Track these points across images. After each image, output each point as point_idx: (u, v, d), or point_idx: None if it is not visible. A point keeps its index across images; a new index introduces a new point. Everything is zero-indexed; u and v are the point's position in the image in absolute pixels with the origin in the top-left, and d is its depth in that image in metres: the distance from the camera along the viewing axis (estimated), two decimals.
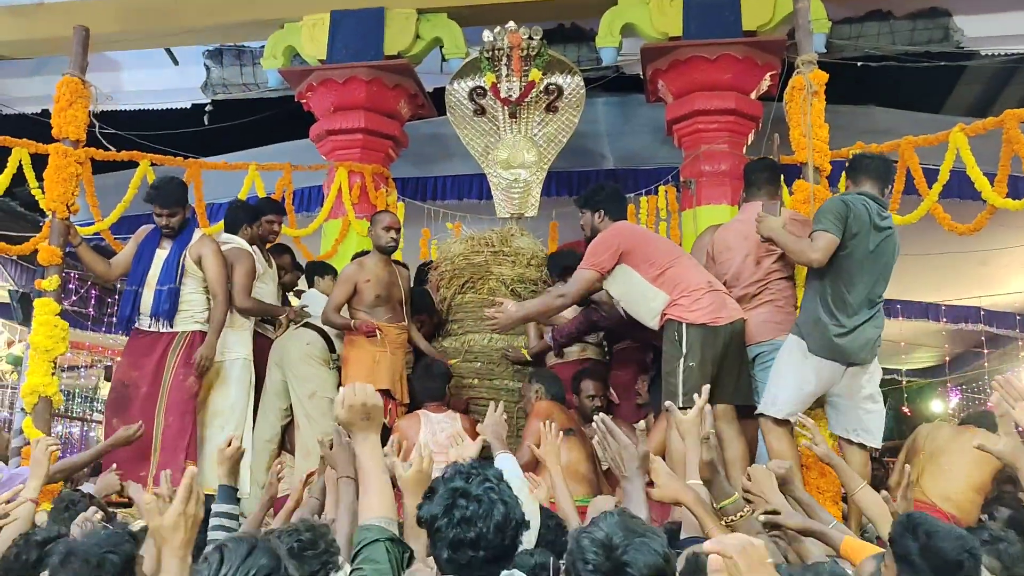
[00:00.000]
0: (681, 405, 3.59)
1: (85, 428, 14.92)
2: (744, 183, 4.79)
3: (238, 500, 3.33)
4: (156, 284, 4.83)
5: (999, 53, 8.02)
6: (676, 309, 4.10)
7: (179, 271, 4.86)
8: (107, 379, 13.95)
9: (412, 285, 5.67)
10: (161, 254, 4.90)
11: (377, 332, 4.96)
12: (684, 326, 4.06)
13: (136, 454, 4.58)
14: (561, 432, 3.33)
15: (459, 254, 5.86)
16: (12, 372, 12.02)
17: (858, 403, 4.13)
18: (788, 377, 4.05)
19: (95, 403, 15.23)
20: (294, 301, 5.96)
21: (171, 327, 4.85)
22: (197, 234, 5.03)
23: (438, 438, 4.41)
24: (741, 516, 2.52)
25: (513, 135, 6.67)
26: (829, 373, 4.02)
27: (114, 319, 11.32)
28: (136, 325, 4.94)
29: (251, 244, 5.34)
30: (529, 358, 5.46)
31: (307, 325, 5.36)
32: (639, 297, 4.24)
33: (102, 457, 4.54)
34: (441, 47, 7.74)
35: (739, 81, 6.99)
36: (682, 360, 4.03)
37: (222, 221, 5.72)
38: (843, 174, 5.33)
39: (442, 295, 5.81)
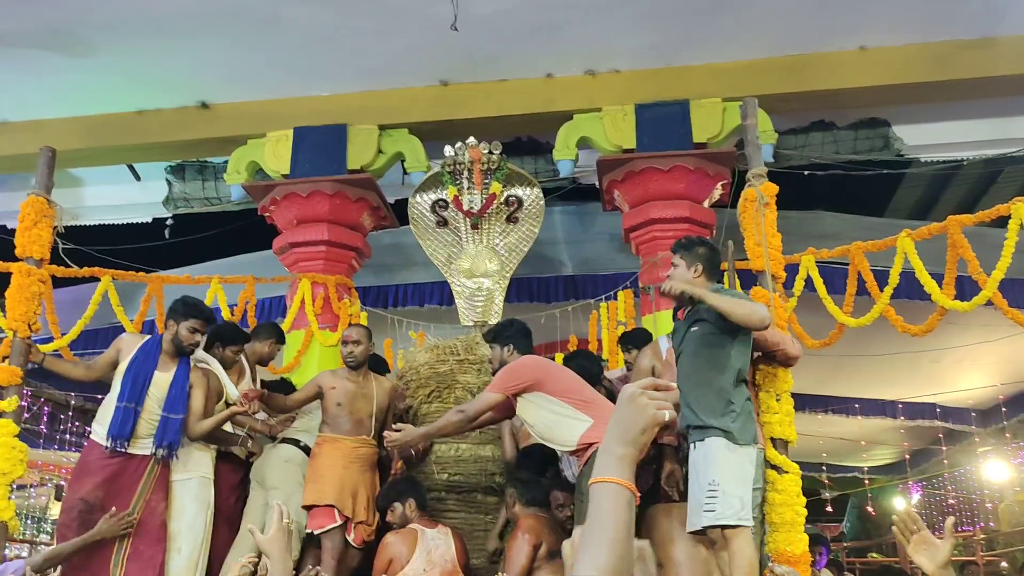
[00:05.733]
0: None
1: (32, 551, 14.33)
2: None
3: None
4: (162, 410, 4.63)
5: (936, 160, 8.44)
6: None
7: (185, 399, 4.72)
8: (57, 498, 13.47)
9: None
10: (163, 376, 4.71)
11: (248, 407, 4.73)
12: None
13: None
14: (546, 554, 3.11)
15: (424, 363, 5.78)
16: None
17: None
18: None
19: (43, 523, 14.67)
20: None
21: (173, 455, 4.64)
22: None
23: (432, 556, 4.28)
24: None
25: (475, 245, 6.79)
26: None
27: (67, 436, 11.09)
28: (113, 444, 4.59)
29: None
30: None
31: (284, 440, 5.27)
32: (560, 422, 4.25)
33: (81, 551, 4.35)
34: (403, 161, 7.94)
35: (692, 190, 7.26)
36: None
37: None
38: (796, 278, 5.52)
39: (408, 404, 5.75)
